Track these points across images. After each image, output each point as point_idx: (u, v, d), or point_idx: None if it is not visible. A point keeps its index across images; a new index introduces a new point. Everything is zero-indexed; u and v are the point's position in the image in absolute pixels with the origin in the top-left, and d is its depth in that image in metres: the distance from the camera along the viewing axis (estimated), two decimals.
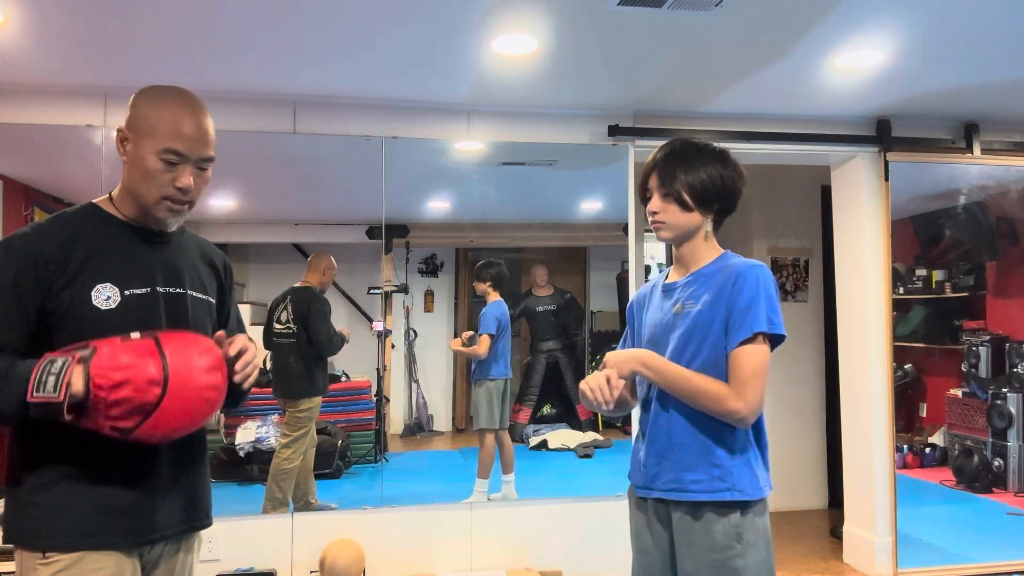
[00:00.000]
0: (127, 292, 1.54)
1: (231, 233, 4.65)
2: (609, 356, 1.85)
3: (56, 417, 1.38)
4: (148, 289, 1.58)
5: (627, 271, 4.22)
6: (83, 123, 3.52)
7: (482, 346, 4.51)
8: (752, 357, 1.74)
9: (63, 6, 2.68)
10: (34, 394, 1.36)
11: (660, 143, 1.95)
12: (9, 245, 1.51)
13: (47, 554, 1.46)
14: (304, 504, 4.18)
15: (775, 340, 1.79)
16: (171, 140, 1.53)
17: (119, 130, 1.58)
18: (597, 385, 1.78)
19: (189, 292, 1.66)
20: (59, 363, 1.38)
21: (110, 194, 1.63)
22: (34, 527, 1.48)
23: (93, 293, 1.51)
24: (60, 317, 1.49)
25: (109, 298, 1.52)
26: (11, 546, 1.53)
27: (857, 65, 3.33)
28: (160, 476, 1.58)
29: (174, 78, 3.36)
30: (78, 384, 1.38)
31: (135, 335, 1.46)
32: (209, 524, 1.71)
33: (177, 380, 1.43)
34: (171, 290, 1.62)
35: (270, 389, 4.32)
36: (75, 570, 1.46)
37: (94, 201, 1.63)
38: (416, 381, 6.43)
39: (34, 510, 1.48)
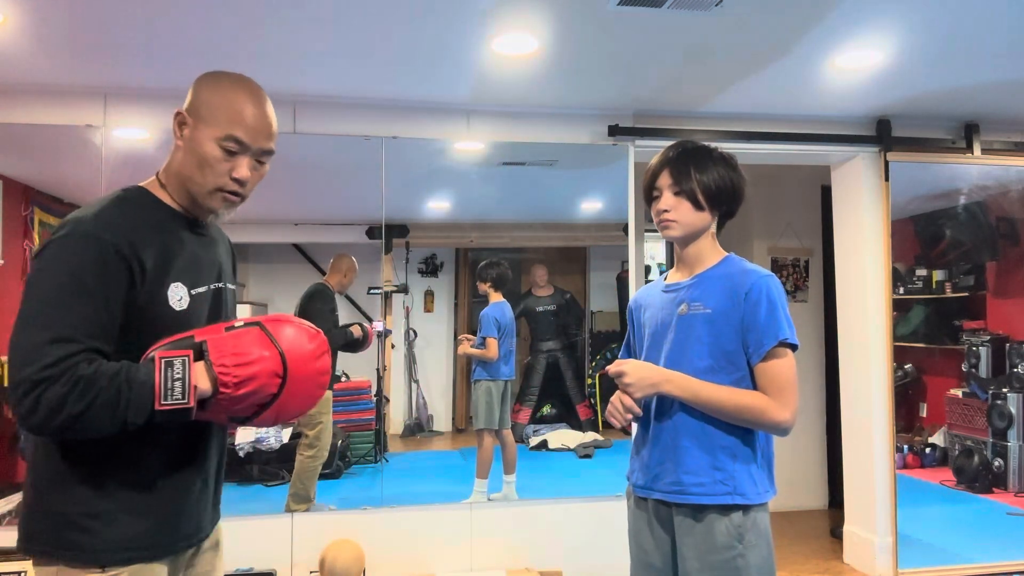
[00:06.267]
0: (193, 291, 1.48)
1: (231, 233, 4.65)
2: (631, 375, 1.81)
3: (182, 420, 1.34)
4: (206, 287, 1.53)
5: (627, 271, 4.22)
6: (83, 123, 3.52)
7: (491, 349, 4.52)
8: (785, 367, 1.78)
9: (63, 7, 2.68)
10: (162, 402, 1.29)
11: (660, 143, 1.97)
12: (85, 235, 1.35)
13: (107, 569, 1.38)
14: (305, 506, 4.18)
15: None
16: (233, 128, 1.45)
17: (178, 113, 1.48)
18: (617, 411, 1.84)
19: (227, 285, 1.63)
20: (178, 364, 1.30)
21: (157, 178, 1.53)
22: (87, 541, 1.38)
23: (169, 293, 1.42)
24: (134, 316, 1.38)
25: (181, 298, 1.45)
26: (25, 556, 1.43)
27: (857, 65, 3.33)
28: (205, 480, 1.56)
29: (174, 78, 3.39)
30: (205, 384, 1.33)
31: (238, 323, 1.41)
32: (218, 520, 1.71)
33: (295, 369, 1.39)
34: (217, 285, 1.58)
35: None
36: None
37: (142, 185, 1.51)
38: (416, 381, 6.44)
39: (94, 524, 1.38)
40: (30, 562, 1.43)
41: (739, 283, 1.81)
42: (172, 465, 1.47)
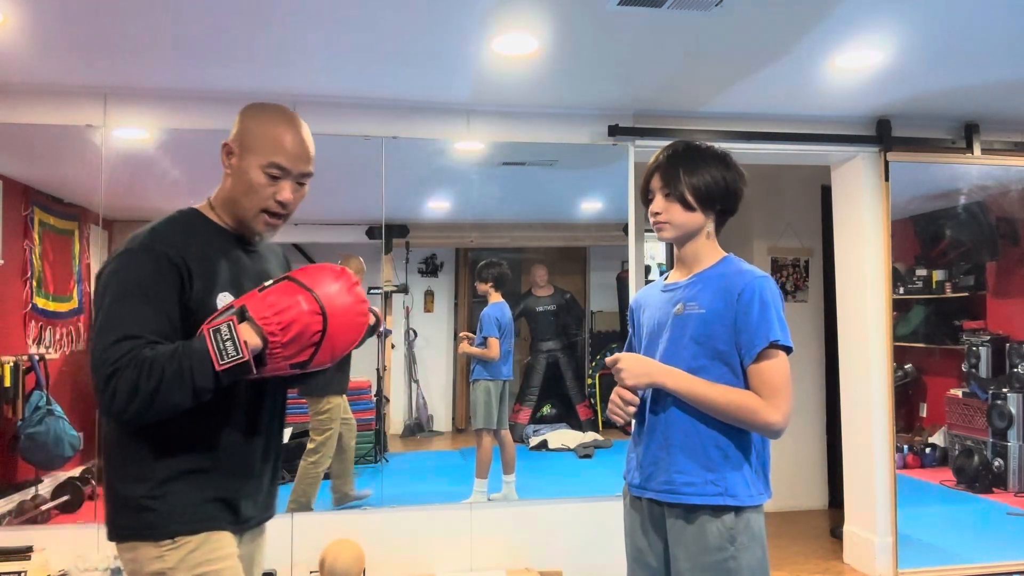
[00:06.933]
0: None
1: None
2: (625, 362, 1.83)
3: (245, 376, 1.47)
4: None
5: (627, 271, 4.22)
6: (83, 123, 3.52)
7: (492, 349, 4.52)
8: (778, 369, 1.77)
9: (63, 6, 2.68)
10: (220, 362, 1.43)
11: (660, 143, 1.98)
12: (140, 247, 1.54)
13: (176, 539, 1.54)
14: (342, 496, 4.24)
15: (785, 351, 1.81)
16: (275, 155, 1.60)
17: (225, 144, 1.65)
18: (618, 406, 1.85)
19: None
20: (225, 329, 1.44)
21: (209, 201, 1.69)
22: (154, 518, 1.54)
23: (217, 301, 1.57)
24: (188, 320, 1.54)
25: None
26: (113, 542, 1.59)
27: (857, 65, 3.33)
28: (254, 469, 1.67)
29: (174, 78, 3.39)
30: (254, 339, 1.46)
31: (268, 283, 1.54)
32: (272, 515, 1.80)
33: (330, 303, 1.52)
34: None
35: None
36: (205, 548, 1.55)
37: (195, 207, 1.69)
38: (416, 381, 6.43)
39: (158, 503, 1.54)
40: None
41: (733, 284, 1.81)
42: (232, 452, 1.61)
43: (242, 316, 1.47)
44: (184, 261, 1.54)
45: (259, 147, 1.61)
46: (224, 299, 1.58)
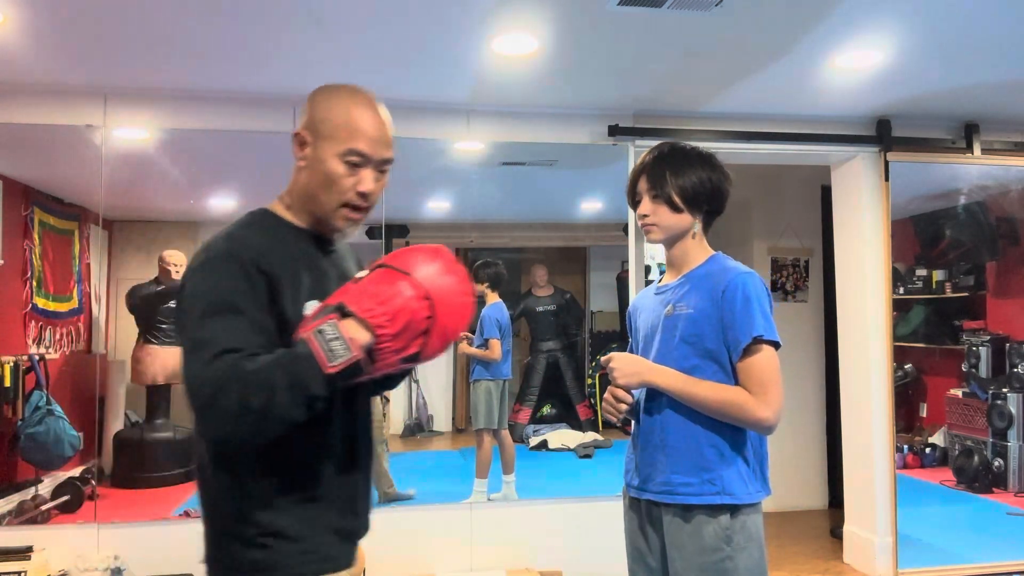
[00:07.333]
0: None
1: None
2: (617, 361, 1.84)
3: (356, 377, 1.32)
4: None
5: (627, 271, 4.21)
6: (83, 123, 3.52)
7: (494, 350, 4.52)
8: (765, 364, 1.77)
9: (63, 6, 2.68)
10: (330, 364, 1.27)
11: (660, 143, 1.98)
12: (221, 255, 1.38)
13: None
14: (384, 494, 4.28)
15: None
16: (354, 141, 1.43)
17: (296, 134, 1.47)
18: (611, 404, 1.86)
19: None
20: (328, 328, 1.29)
21: (281, 200, 1.52)
22: (271, 559, 1.38)
23: (305, 311, 1.40)
24: (280, 331, 1.38)
25: None
26: None
27: (857, 65, 3.33)
28: (359, 491, 1.52)
29: (174, 78, 3.39)
30: (362, 334, 1.29)
31: (361, 274, 1.40)
32: (365, 534, 1.64)
33: (432, 285, 1.36)
34: None
35: None
36: None
37: (268, 208, 1.52)
38: (416, 381, 6.43)
39: (270, 540, 1.38)
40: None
41: (718, 282, 1.82)
42: (337, 474, 1.46)
43: (342, 313, 1.31)
44: (271, 268, 1.38)
45: (335, 133, 1.43)
46: (311, 307, 1.40)
